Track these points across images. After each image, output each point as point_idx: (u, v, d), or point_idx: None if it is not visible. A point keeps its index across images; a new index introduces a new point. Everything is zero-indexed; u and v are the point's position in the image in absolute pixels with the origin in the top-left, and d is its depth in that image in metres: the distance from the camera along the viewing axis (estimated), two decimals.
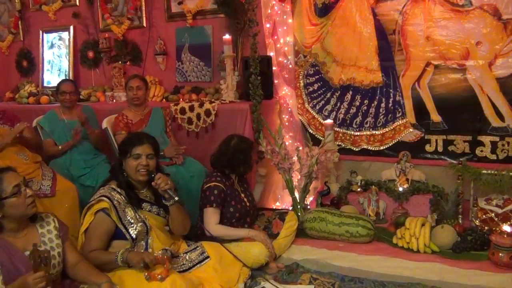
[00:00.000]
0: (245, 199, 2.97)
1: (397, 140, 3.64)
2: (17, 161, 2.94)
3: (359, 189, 3.56)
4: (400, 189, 3.46)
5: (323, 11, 3.76)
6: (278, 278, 2.67)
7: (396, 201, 3.45)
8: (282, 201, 3.86)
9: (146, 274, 2.10)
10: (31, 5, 4.99)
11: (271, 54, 3.82)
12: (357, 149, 3.80)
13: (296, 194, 3.43)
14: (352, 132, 3.80)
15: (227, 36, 3.62)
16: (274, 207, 3.65)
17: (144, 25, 4.39)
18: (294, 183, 3.44)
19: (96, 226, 2.29)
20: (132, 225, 2.32)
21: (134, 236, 2.30)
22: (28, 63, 5.13)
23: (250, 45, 3.49)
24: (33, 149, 3.27)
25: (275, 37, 3.85)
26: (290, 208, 3.48)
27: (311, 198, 3.73)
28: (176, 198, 2.36)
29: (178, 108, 3.64)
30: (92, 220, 2.29)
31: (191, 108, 3.60)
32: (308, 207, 3.52)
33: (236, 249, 2.64)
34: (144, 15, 4.37)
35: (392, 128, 3.66)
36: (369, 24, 3.62)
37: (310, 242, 3.06)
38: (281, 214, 3.09)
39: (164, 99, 4.14)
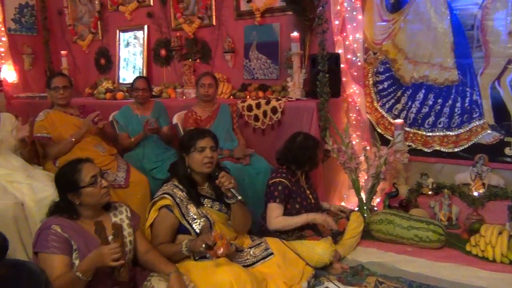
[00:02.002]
0: (310, 196, 2.97)
1: (473, 142, 3.44)
2: (95, 153, 3.12)
3: (430, 192, 3.41)
4: (475, 194, 3.27)
5: (395, 7, 3.64)
6: (342, 279, 2.62)
7: (471, 207, 3.25)
8: (348, 201, 3.78)
9: (208, 253, 2.14)
10: (109, 5, 5.29)
11: (340, 51, 3.75)
12: (428, 150, 3.64)
13: (363, 195, 3.35)
14: (424, 133, 3.65)
15: (295, 34, 3.60)
16: None
17: (214, 23, 4.48)
18: (360, 183, 3.36)
19: (160, 221, 2.37)
20: (196, 220, 2.38)
21: (198, 231, 2.36)
22: (106, 60, 5.44)
23: (318, 42, 3.45)
24: (110, 142, 3.46)
25: (344, 34, 3.78)
26: (356, 208, 3.40)
27: (378, 200, 3.62)
28: (239, 197, 2.36)
29: (245, 105, 3.69)
30: (157, 216, 2.37)
31: (258, 105, 3.62)
32: (375, 208, 3.42)
33: (300, 247, 2.63)
34: (214, 13, 4.46)
35: (468, 129, 3.46)
36: (444, 20, 3.45)
37: (376, 244, 2.98)
38: (347, 213, 3.04)
39: (231, 96, 4.21)
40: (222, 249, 2.10)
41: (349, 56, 3.79)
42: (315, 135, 3.22)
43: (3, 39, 5.45)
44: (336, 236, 2.84)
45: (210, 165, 2.41)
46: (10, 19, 5.53)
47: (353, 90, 3.82)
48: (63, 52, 5.48)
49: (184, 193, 2.42)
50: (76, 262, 1.96)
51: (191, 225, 2.36)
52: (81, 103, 3.67)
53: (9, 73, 5.50)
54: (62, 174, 2.12)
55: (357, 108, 3.81)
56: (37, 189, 2.75)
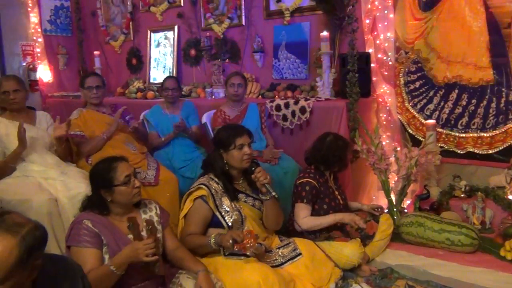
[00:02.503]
0: (339, 197, 2.95)
1: (509, 143, 3.33)
2: (126, 150, 3.18)
3: (462, 195, 3.33)
4: (511, 197, 3.16)
5: (428, 5, 3.57)
6: (370, 281, 2.60)
7: (505, 210, 3.15)
8: (377, 203, 3.71)
9: (236, 247, 2.15)
10: (141, 6, 5.38)
11: (370, 50, 3.71)
12: (461, 152, 3.55)
13: (392, 197, 3.29)
14: (457, 134, 3.56)
15: (324, 33, 3.58)
16: None
17: (243, 23, 4.50)
18: (390, 185, 3.31)
19: (194, 212, 2.41)
20: (228, 213, 2.41)
21: (230, 224, 2.38)
22: (137, 60, 5.53)
23: (348, 41, 3.42)
24: (140, 140, 3.52)
25: (375, 33, 3.73)
26: (386, 210, 3.35)
27: (408, 202, 3.55)
28: (273, 193, 2.39)
29: (273, 105, 3.68)
30: (191, 206, 2.42)
31: (286, 105, 3.62)
32: (405, 210, 3.36)
33: (328, 248, 2.61)
34: (243, 13, 4.48)
35: (503, 130, 3.36)
36: (480, 18, 3.36)
37: (406, 247, 2.92)
38: (376, 217, 2.99)
39: (260, 96, 4.22)
40: (249, 244, 2.11)
41: (379, 56, 3.73)
42: (344, 136, 3.19)
43: (40, 40, 5.63)
44: (365, 239, 2.80)
45: (249, 161, 2.45)
46: (46, 20, 5.71)
47: (383, 90, 3.76)
48: (96, 52, 5.62)
49: (219, 186, 2.46)
50: (106, 256, 2.00)
51: (223, 218, 2.39)
52: (113, 102, 3.75)
53: (45, 73, 5.68)
54: (97, 170, 2.17)
55: (388, 108, 3.75)
56: (70, 185, 2.82)
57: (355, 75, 3.37)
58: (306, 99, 3.58)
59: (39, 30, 5.62)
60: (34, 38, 5.61)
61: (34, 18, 5.59)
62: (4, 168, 2.86)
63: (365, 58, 3.58)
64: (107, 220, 2.09)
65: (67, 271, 1.54)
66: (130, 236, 2.06)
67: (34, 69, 5.57)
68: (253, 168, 2.41)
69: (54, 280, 1.48)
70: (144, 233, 2.06)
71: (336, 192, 2.95)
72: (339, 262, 2.56)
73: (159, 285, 2.13)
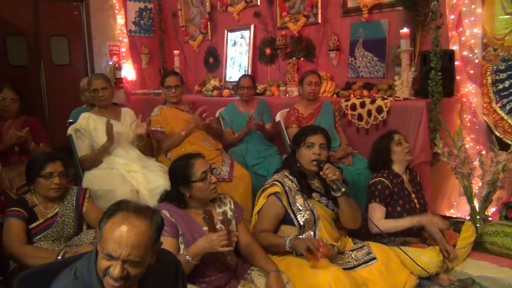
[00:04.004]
0: (415, 200, 2.80)
1: None
2: (202, 147, 3.29)
3: None
4: None
5: None
6: None
7: None
8: (458, 209, 3.52)
9: (308, 260, 2.14)
10: (219, 6, 5.52)
11: (454, 47, 3.50)
12: None
13: (476, 203, 3.10)
14: None
15: (405, 30, 3.44)
16: (448, 215, 3.36)
17: (319, 21, 4.45)
18: (473, 190, 3.11)
19: (267, 208, 2.43)
20: (301, 212, 2.40)
21: (301, 223, 2.38)
22: (214, 59, 5.69)
23: (431, 38, 3.26)
24: (216, 137, 3.62)
25: (460, 29, 3.51)
26: (468, 217, 3.16)
27: (493, 209, 3.32)
28: (343, 189, 2.35)
29: (348, 104, 3.61)
30: (265, 203, 2.44)
31: (362, 105, 3.53)
32: (490, 219, 3.14)
33: (403, 254, 2.49)
34: (319, 11, 4.43)
35: None
36: None
37: (489, 257, 2.74)
38: (456, 224, 2.83)
39: (334, 95, 4.15)
40: (320, 255, 2.10)
41: (465, 53, 3.51)
42: (424, 137, 3.07)
43: (125, 40, 6.00)
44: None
45: (316, 162, 2.42)
46: (131, 22, 6.05)
47: (468, 90, 3.54)
48: (175, 51, 5.85)
49: (293, 183, 2.46)
50: (181, 246, 2.08)
51: (295, 216, 2.39)
52: (191, 100, 3.89)
53: (129, 71, 6.03)
54: (176, 167, 2.25)
55: (473, 109, 3.52)
56: (150, 178, 2.98)
57: (437, 74, 3.21)
58: (383, 98, 3.47)
59: (125, 31, 5.99)
60: (120, 38, 5.99)
61: (120, 20, 5.96)
62: (93, 160, 3.08)
63: (449, 56, 3.39)
64: (183, 212, 2.18)
65: (171, 264, 1.62)
66: (205, 228, 2.12)
67: (119, 68, 5.94)
68: (321, 165, 2.38)
69: (158, 273, 1.55)
70: (218, 225, 2.11)
71: (413, 195, 2.81)
72: (415, 269, 2.44)
73: (231, 278, 2.17)
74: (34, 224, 2.33)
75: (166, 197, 2.26)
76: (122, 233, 1.33)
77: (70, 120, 3.46)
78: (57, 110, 5.53)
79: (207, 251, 1.99)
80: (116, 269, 1.32)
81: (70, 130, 3.21)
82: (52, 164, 2.36)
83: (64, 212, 2.43)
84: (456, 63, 3.49)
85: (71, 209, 2.46)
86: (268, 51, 4.94)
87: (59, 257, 2.16)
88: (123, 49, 5.99)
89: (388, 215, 2.70)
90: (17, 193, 2.82)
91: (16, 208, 2.30)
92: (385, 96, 3.58)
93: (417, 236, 2.71)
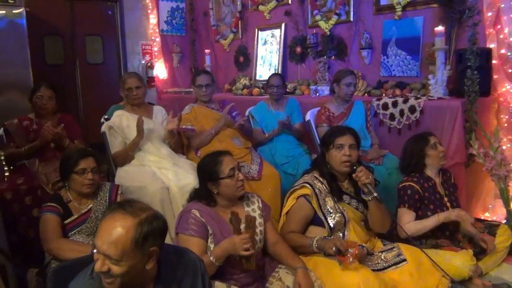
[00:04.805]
0: (448, 204, 2.72)
1: None
2: (232, 145, 3.31)
3: None
4: None
5: None
6: None
7: None
8: (493, 212, 3.41)
9: (338, 258, 2.13)
10: (250, 6, 5.53)
11: (492, 45, 3.39)
12: None
13: None
14: None
15: (440, 28, 3.36)
16: (482, 218, 3.26)
17: (351, 19, 4.40)
18: (510, 193, 3.01)
19: (296, 210, 2.42)
20: (331, 214, 2.38)
21: (331, 226, 2.36)
22: (244, 58, 5.71)
23: (468, 36, 3.17)
24: (245, 136, 3.63)
25: (498, 26, 3.39)
26: (504, 221, 3.05)
27: None
28: (375, 194, 2.31)
29: (380, 103, 3.56)
30: (294, 204, 2.43)
31: (394, 104, 3.47)
32: None
33: (435, 257, 2.43)
34: (351, 9, 4.38)
35: None
36: None
37: None
38: (491, 228, 2.75)
39: (366, 94, 4.10)
40: (351, 258, 2.07)
41: (503, 51, 3.39)
42: (459, 137, 2.99)
43: (157, 39, 6.09)
44: (479, 254, 2.58)
45: (348, 164, 2.39)
46: (163, 21, 6.15)
47: (506, 89, 3.41)
48: (206, 50, 5.91)
49: (323, 185, 2.44)
50: (212, 246, 2.09)
51: (326, 218, 2.38)
52: (221, 98, 3.91)
53: (161, 70, 6.13)
54: (204, 164, 2.28)
55: (510, 109, 3.39)
56: (180, 176, 3.02)
57: (474, 73, 3.12)
58: (416, 98, 3.40)
59: (157, 30, 6.09)
60: (153, 38, 6.10)
61: (153, 19, 6.06)
62: (124, 155, 3.15)
63: (486, 54, 3.29)
64: (213, 211, 2.19)
65: (189, 266, 1.62)
66: (244, 223, 2.14)
67: (151, 67, 6.05)
68: (354, 167, 2.35)
69: (176, 273, 1.57)
70: (243, 228, 2.12)
71: (446, 199, 2.73)
72: (447, 272, 2.38)
73: (258, 277, 2.18)
74: (69, 220, 2.39)
75: (195, 195, 2.28)
76: (105, 228, 1.38)
77: (106, 116, 3.54)
78: (91, 107, 5.69)
79: (229, 252, 2.01)
80: (98, 263, 1.37)
81: (104, 128, 3.29)
82: (85, 160, 2.42)
83: (98, 207, 2.49)
84: (494, 61, 3.38)
85: (104, 205, 2.51)
86: (298, 49, 4.92)
87: (94, 251, 2.21)
88: (155, 48, 6.08)
89: (419, 220, 2.63)
90: (52, 188, 2.92)
91: (52, 204, 2.37)
92: (419, 96, 3.51)
93: (449, 239, 2.64)
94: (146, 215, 1.42)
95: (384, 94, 3.86)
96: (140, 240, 1.38)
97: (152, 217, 1.43)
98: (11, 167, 3.20)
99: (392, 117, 3.48)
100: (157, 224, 1.44)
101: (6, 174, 3.21)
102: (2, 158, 3.22)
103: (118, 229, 1.36)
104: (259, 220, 2.27)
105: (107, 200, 2.54)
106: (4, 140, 3.21)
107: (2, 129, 3.24)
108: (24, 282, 2.37)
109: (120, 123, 3.19)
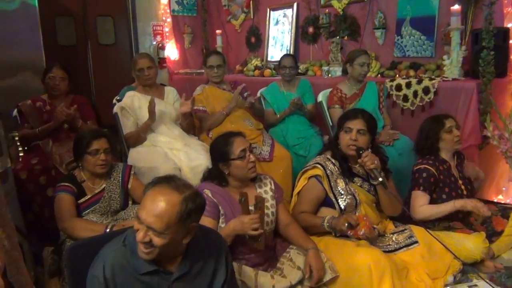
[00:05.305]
0: (463, 187, 2.70)
1: None
2: (243, 126, 3.30)
3: None
4: None
5: None
6: (494, 279, 2.38)
7: None
8: (507, 195, 3.38)
9: (350, 232, 2.13)
10: None
11: (510, 25, 3.31)
12: None
13: None
14: None
15: (455, 7, 3.28)
16: (496, 201, 3.23)
17: None
18: None
19: (308, 190, 2.42)
20: (342, 196, 2.38)
21: (342, 207, 2.36)
22: (256, 39, 5.65)
23: (484, 15, 3.09)
24: (257, 117, 3.62)
25: None
26: None
27: None
28: (380, 179, 2.30)
29: (393, 84, 3.51)
30: (305, 184, 2.44)
31: (408, 85, 3.42)
32: None
33: (447, 239, 2.42)
34: None
35: None
36: None
37: None
38: (504, 210, 2.71)
39: (379, 75, 4.04)
40: (363, 230, 2.07)
41: None
42: (474, 119, 2.94)
43: (168, 20, 6.04)
44: (492, 237, 2.56)
45: (354, 148, 2.37)
46: (174, 1, 6.07)
47: None
48: (218, 31, 5.85)
49: (335, 167, 2.43)
50: (223, 226, 2.11)
51: (336, 200, 2.38)
52: (232, 79, 3.89)
53: (172, 51, 6.10)
54: (216, 144, 2.28)
55: None
56: (192, 156, 3.03)
57: (490, 53, 3.05)
58: (430, 79, 3.34)
59: (168, 10, 6.02)
60: (164, 18, 6.04)
61: None
62: (136, 137, 3.17)
63: (503, 34, 3.20)
64: (225, 191, 2.20)
65: (215, 245, 1.67)
66: (254, 208, 2.15)
67: (163, 48, 6.01)
68: (360, 152, 2.33)
69: (202, 251, 1.62)
70: (252, 208, 2.13)
71: (460, 181, 2.71)
72: (459, 254, 2.37)
73: (269, 257, 2.20)
74: (83, 199, 2.43)
75: (208, 176, 2.29)
76: (151, 201, 1.42)
77: (118, 98, 3.55)
78: (103, 88, 5.70)
79: (238, 233, 2.02)
80: (140, 234, 1.42)
81: (116, 109, 3.30)
82: (98, 141, 2.44)
83: (111, 188, 2.52)
84: (511, 41, 3.30)
85: (118, 185, 2.54)
86: (311, 30, 4.85)
87: (108, 230, 2.25)
88: (167, 29, 6.04)
89: (433, 203, 2.62)
90: (66, 168, 2.95)
91: (66, 183, 2.41)
92: (433, 76, 3.45)
93: (462, 221, 2.63)
94: (190, 192, 1.48)
95: (397, 75, 3.80)
96: (184, 216, 1.44)
97: (195, 195, 1.50)
98: (26, 148, 3.24)
99: (405, 98, 3.44)
100: (200, 201, 1.51)
101: (21, 154, 3.25)
102: (17, 138, 3.26)
103: (164, 203, 1.42)
104: (271, 202, 2.27)
105: (120, 180, 2.56)
106: (18, 121, 3.24)
107: (16, 110, 3.27)
108: (40, 260, 2.42)
109: (132, 104, 3.20)
